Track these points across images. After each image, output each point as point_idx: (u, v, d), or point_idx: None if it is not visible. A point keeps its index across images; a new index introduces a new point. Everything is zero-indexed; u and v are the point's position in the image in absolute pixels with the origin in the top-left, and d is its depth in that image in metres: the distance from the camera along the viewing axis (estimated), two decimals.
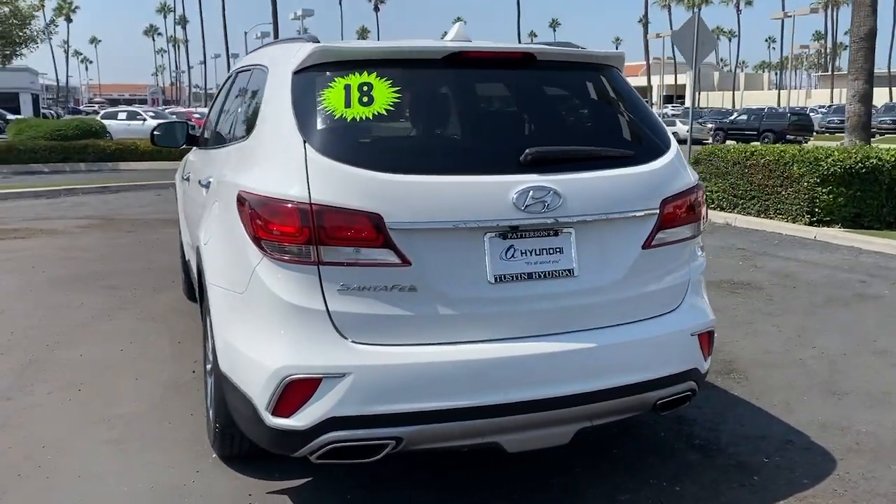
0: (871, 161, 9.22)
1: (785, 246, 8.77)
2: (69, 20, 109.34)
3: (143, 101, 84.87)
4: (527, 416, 2.68)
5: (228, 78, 4.59)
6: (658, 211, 2.86)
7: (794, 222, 9.57)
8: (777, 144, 11.45)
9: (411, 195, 2.56)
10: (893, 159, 9.33)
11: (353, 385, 2.52)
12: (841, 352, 4.95)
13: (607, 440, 3.63)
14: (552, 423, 2.78)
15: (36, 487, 3.20)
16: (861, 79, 13.21)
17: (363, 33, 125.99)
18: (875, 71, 14.61)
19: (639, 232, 2.85)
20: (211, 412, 3.37)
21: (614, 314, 2.82)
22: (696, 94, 19.04)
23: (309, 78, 2.78)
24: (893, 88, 68.68)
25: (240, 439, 3.14)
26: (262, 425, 2.63)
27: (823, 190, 9.24)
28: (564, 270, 2.74)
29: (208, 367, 3.40)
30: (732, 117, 42.93)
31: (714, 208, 10.81)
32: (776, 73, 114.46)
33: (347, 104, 2.69)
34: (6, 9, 21.49)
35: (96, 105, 78.99)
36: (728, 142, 33.58)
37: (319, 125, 2.67)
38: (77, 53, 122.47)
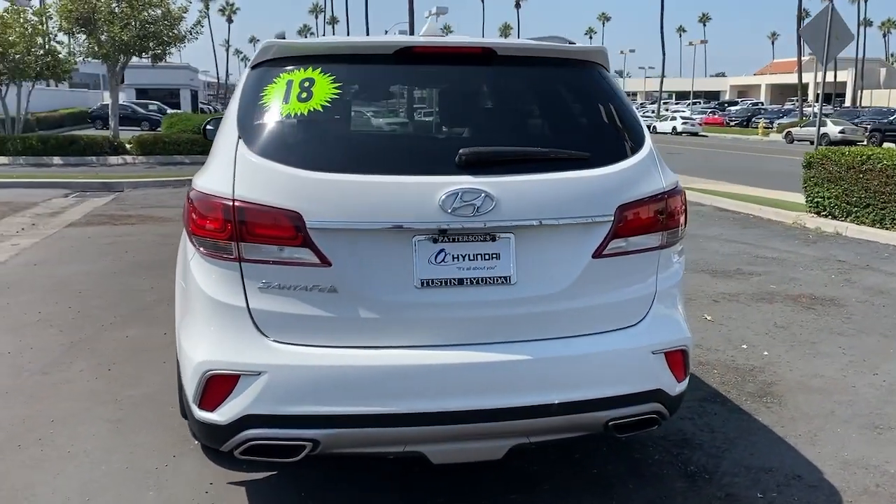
0: None
1: (894, 260, 7.95)
2: (230, 21, 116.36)
3: None
4: (451, 427, 2.56)
5: None
6: (612, 218, 2.65)
7: None
8: None
9: (333, 194, 2.50)
10: None
11: (269, 384, 2.50)
12: None
13: (591, 458, 3.43)
14: (481, 437, 2.64)
15: (25, 459, 3.41)
16: None
17: (506, 30, 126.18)
18: None
19: (588, 240, 2.64)
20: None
21: (557, 326, 2.64)
22: (858, 91, 17.57)
23: (259, 74, 2.78)
24: None
25: None
26: (193, 417, 2.66)
27: None
28: (501, 277, 2.59)
29: None
30: (893, 117, 39.53)
31: (825, 216, 9.98)
32: None
33: (286, 100, 2.66)
34: (158, 11, 23.07)
35: None
36: (886, 144, 30.93)
37: (255, 121, 2.66)
38: (238, 52, 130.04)
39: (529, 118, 2.95)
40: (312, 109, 2.65)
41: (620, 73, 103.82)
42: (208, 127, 4.99)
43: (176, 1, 23.45)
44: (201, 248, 2.60)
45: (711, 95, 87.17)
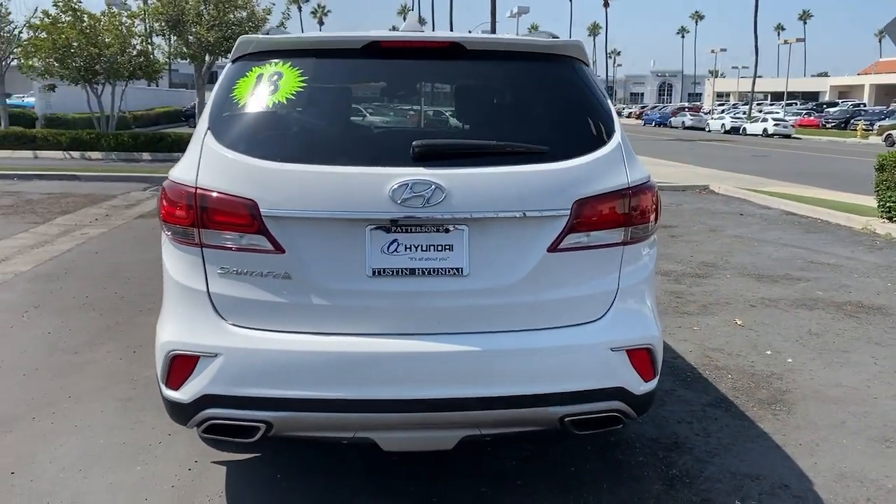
0: None
1: None
2: (321, 23, 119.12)
3: None
4: (400, 415, 2.60)
5: None
6: (568, 212, 2.62)
7: None
8: None
9: (287, 184, 2.58)
10: None
11: (224, 365, 2.60)
12: None
13: (571, 457, 3.40)
14: (430, 426, 2.66)
15: (36, 430, 3.65)
16: None
17: (594, 29, 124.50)
18: None
19: (543, 234, 2.63)
20: None
21: (509, 319, 2.64)
22: None
23: (236, 68, 2.89)
24: None
25: None
26: (162, 395, 2.79)
27: None
28: (453, 269, 2.61)
29: None
30: None
31: None
32: None
33: (252, 93, 2.76)
34: (244, 13, 23.88)
35: None
36: None
37: (223, 113, 2.77)
38: None
39: (492, 112, 2.96)
40: (276, 102, 2.74)
41: (713, 73, 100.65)
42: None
43: (261, 3, 24.24)
44: (170, 234, 2.73)
45: (810, 96, 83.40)
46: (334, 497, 3.08)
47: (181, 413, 2.72)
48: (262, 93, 2.75)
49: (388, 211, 2.54)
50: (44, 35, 20.36)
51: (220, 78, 2.93)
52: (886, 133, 37.46)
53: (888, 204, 9.70)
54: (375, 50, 2.82)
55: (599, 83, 3.00)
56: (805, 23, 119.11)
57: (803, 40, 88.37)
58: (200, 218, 2.62)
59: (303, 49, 2.86)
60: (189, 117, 39.37)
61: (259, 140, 2.69)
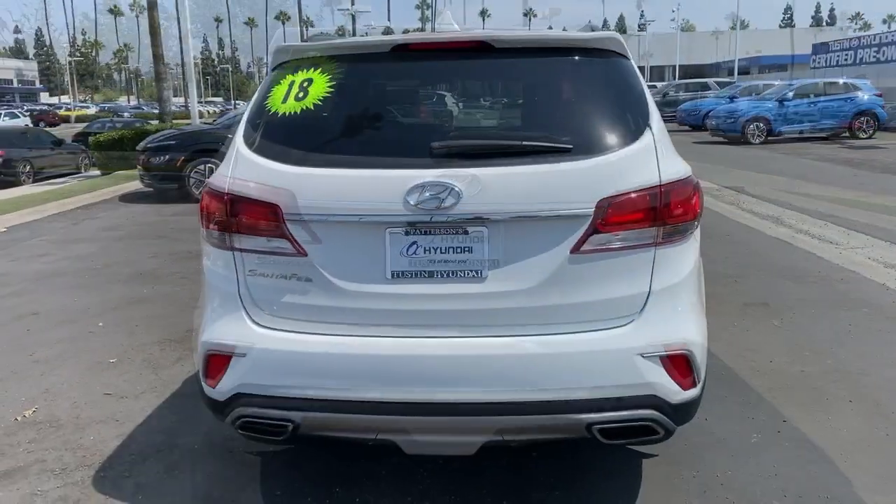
0: None
1: None
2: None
3: None
4: (419, 418, 2.60)
5: None
6: (592, 212, 2.55)
7: None
8: None
9: (309, 188, 2.62)
10: None
11: (252, 365, 2.67)
12: None
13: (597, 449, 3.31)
14: (451, 431, 2.65)
15: (40, 378, 3.97)
16: None
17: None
18: None
19: (566, 234, 2.57)
20: None
21: (532, 322, 2.59)
22: None
23: (273, 76, 2.96)
24: None
25: None
26: (202, 391, 2.90)
27: None
28: (472, 271, 2.59)
29: None
30: None
31: None
32: None
33: (284, 99, 2.83)
34: None
35: None
36: None
37: (256, 119, 2.85)
38: None
39: (518, 110, 2.92)
40: (304, 108, 2.79)
41: None
42: None
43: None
44: (206, 237, 2.82)
45: None
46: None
47: (217, 409, 2.81)
48: (291, 99, 2.81)
49: (404, 213, 2.54)
50: None
51: (260, 86, 3.02)
52: None
53: None
54: (404, 52, 2.83)
55: (638, 77, 2.89)
56: None
57: None
58: (231, 222, 2.71)
59: (333, 55, 2.90)
60: None
61: (284, 145, 2.75)
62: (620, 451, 3.39)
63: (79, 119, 52.65)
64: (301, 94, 2.82)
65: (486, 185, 2.55)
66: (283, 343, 2.66)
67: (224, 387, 2.73)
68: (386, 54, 2.85)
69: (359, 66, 2.90)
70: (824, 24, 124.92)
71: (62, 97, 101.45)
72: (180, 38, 24.54)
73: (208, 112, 51.40)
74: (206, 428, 3.64)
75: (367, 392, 2.59)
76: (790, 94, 21.49)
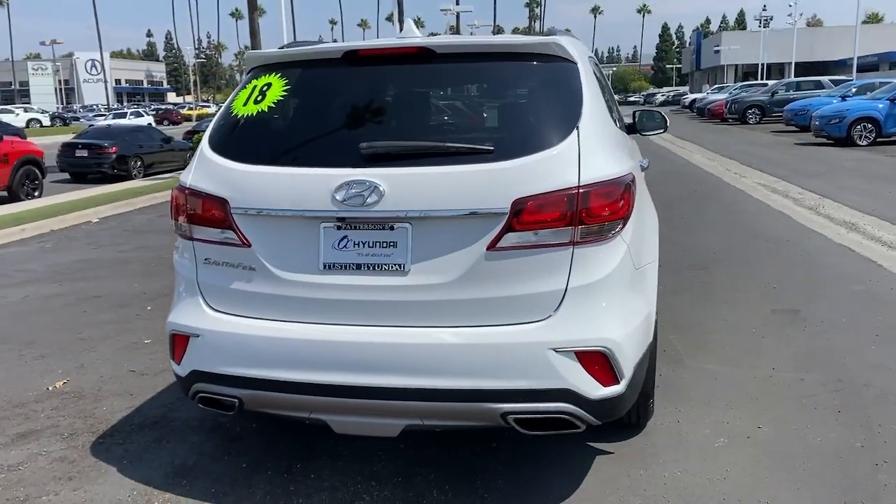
0: None
1: None
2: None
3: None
4: (345, 400, 2.78)
5: None
6: (507, 211, 2.65)
7: None
8: None
9: (253, 184, 2.85)
10: None
11: (205, 346, 2.93)
12: None
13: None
14: (374, 413, 2.81)
15: (80, 354, 4.33)
16: None
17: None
18: None
19: (482, 232, 2.68)
20: None
21: (450, 315, 2.73)
22: None
23: (245, 80, 3.22)
24: None
25: None
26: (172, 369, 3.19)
27: None
28: (395, 265, 2.74)
29: None
30: None
31: None
32: None
33: (245, 102, 3.08)
34: None
35: None
36: None
37: (221, 121, 3.12)
38: None
39: (452, 113, 3.04)
40: (259, 111, 3.03)
41: None
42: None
43: None
44: (175, 228, 3.11)
45: None
46: None
47: (181, 385, 3.10)
48: (251, 103, 3.06)
49: (333, 210, 2.73)
50: None
51: (234, 90, 3.28)
52: None
53: None
54: (353, 58, 3.02)
55: (580, 80, 2.96)
56: None
57: None
58: (190, 215, 2.98)
59: (292, 62, 3.13)
60: None
61: (238, 145, 3.00)
62: (575, 446, 3.47)
63: (199, 118, 55.65)
64: (259, 98, 3.06)
65: (407, 185, 2.70)
66: (230, 326, 2.91)
67: (184, 365, 3.01)
68: (338, 60, 3.04)
69: (312, 71, 3.12)
70: None
71: (186, 97, 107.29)
72: (288, 40, 25.66)
73: None
74: None
75: (300, 374, 2.79)
76: None
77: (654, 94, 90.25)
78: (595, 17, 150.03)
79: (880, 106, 20.22)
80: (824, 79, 34.83)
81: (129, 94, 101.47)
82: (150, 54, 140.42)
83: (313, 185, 2.77)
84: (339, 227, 2.78)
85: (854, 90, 26.86)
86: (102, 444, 3.64)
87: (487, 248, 2.68)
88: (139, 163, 18.86)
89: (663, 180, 13.66)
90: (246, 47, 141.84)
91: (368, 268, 2.77)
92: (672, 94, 76.65)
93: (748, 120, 32.58)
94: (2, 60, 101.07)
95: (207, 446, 3.59)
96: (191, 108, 69.34)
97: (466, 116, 3.03)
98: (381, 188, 2.69)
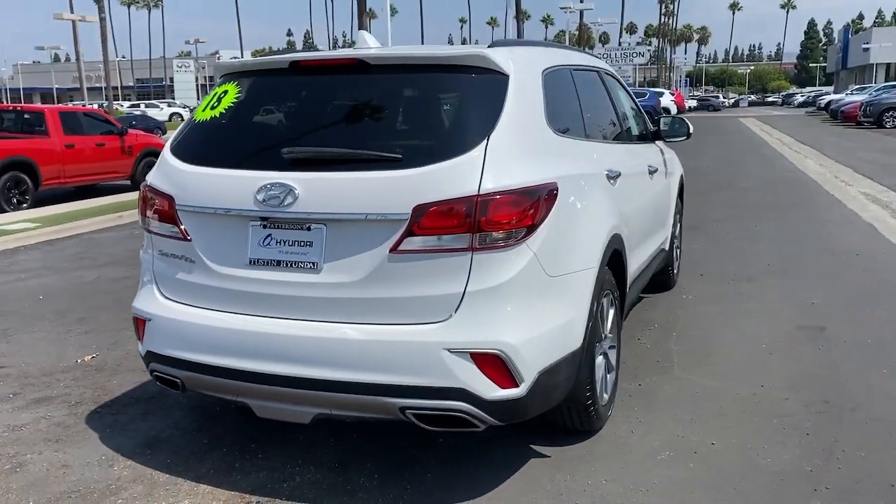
0: None
1: None
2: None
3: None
4: (264, 387, 3.00)
5: None
6: (408, 216, 2.78)
7: None
8: None
9: (194, 183, 3.14)
10: None
11: (156, 329, 3.24)
12: None
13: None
14: (288, 400, 3.01)
15: (118, 333, 4.76)
16: None
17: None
18: None
19: (385, 235, 2.83)
20: None
21: (354, 312, 2.89)
22: None
23: (214, 88, 3.51)
24: None
25: None
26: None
27: None
28: (310, 263, 2.94)
29: None
30: None
31: None
32: None
33: (204, 108, 3.36)
34: None
35: None
36: None
37: (184, 125, 3.42)
38: None
39: (375, 122, 3.19)
40: (212, 116, 3.31)
41: None
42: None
43: None
44: (140, 223, 3.44)
45: None
46: None
47: (145, 363, 3.43)
48: (208, 108, 3.34)
49: (255, 210, 2.97)
50: None
51: None
52: None
53: None
54: (297, 68, 3.24)
55: (505, 91, 3.04)
56: None
57: None
58: (148, 210, 3.30)
59: (245, 71, 3.39)
60: None
61: (188, 147, 3.29)
62: (517, 447, 3.54)
63: None
64: (215, 104, 3.33)
65: (320, 189, 2.90)
66: (175, 313, 3.20)
67: (143, 345, 3.34)
68: (285, 70, 3.27)
69: (261, 80, 3.37)
70: None
71: None
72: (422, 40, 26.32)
73: None
74: None
75: (227, 360, 3.04)
76: None
77: (792, 95, 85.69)
78: (734, 13, 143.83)
79: None
80: None
81: None
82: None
83: (240, 186, 3.01)
84: (264, 226, 3.01)
85: None
86: (98, 414, 4.05)
87: (390, 251, 2.83)
88: None
89: (758, 188, 13.14)
90: (352, 42, 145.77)
91: (287, 265, 2.98)
92: (813, 94, 72.33)
93: (885, 124, 30.38)
94: (156, 58, 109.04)
95: (185, 422, 3.92)
96: None
97: (389, 125, 3.17)
98: (296, 191, 2.89)
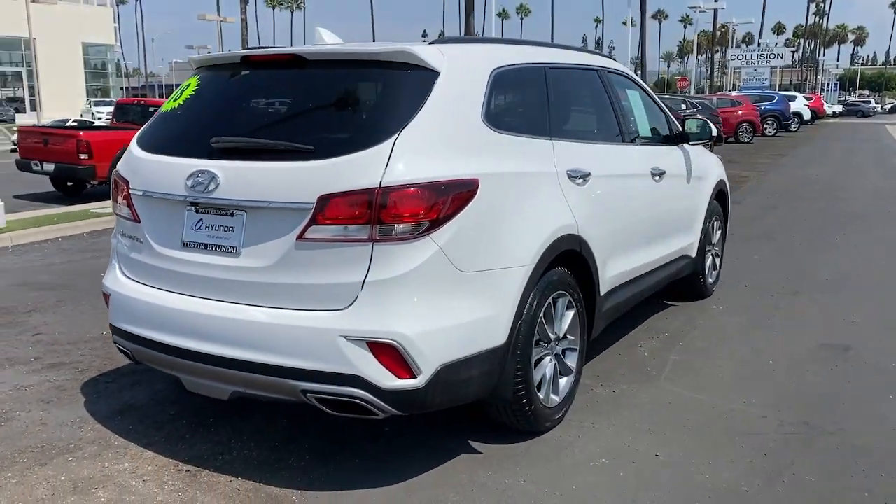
0: None
1: None
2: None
3: None
4: (190, 363, 3.18)
5: None
6: (313, 206, 2.87)
7: None
8: None
9: (142, 168, 3.37)
10: None
11: (115, 303, 3.51)
12: None
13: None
14: (208, 377, 3.17)
15: None
16: None
17: None
18: None
19: (295, 223, 2.93)
20: None
21: (265, 295, 3.01)
22: None
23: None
24: None
25: None
26: None
27: None
28: (230, 247, 3.09)
29: None
30: None
31: None
32: None
33: (170, 100, 3.59)
34: None
35: None
36: None
37: (154, 117, 3.66)
38: None
39: (301, 114, 3.29)
40: (172, 107, 3.54)
41: None
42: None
43: None
44: (112, 207, 3.72)
45: None
46: None
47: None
48: (171, 100, 3.58)
49: (184, 194, 3.16)
50: None
51: None
52: None
53: None
54: (247, 63, 3.41)
55: (428, 87, 3.08)
56: None
57: None
58: (114, 194, 3.57)
59: (209, 65, 3.59)
60: None
61: (148, 135, 3.54)
62: (454, 441, 3.57)
63: None
64: (178, 96, 3.56)
65: (239, 176, 3.05)
66: (128, 290, 3.45)
67: (109, 318, 3.61)
68: (237, 65, 3.45)
69: (217, 74, 3.57)
70: None
71: None
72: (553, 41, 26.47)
73: None
74: None
75: (161, 336, 3.25)
76: None
77: None
78: (895, 12, 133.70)
79: None
80: None
81: None
82: None
83: (175, 172, 3.20)
84: (196, 211, 3.20)
85: None
86: (95, 381, 4.40)
87: (297, 239, 2.94)
88: None
89: (859, 199, 12.30)
90: None
91: (212, 248, 3.15)
92: None
93: None
94: None
95: (163, 393, 4.19)
96: None
97: (312, 118, 3.26)
98: (218, 178, 3.06)
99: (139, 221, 3.39)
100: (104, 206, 10.97)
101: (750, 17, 57.93)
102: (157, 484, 3.21)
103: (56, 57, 41.75)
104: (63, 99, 40.53)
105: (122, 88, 60.45)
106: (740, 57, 54.87)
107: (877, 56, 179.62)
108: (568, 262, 3.67)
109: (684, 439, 3.62)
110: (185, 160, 3.21)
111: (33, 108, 36.75)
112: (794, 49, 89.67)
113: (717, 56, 78.77)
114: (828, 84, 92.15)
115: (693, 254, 5.63)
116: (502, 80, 3.49)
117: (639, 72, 49.62)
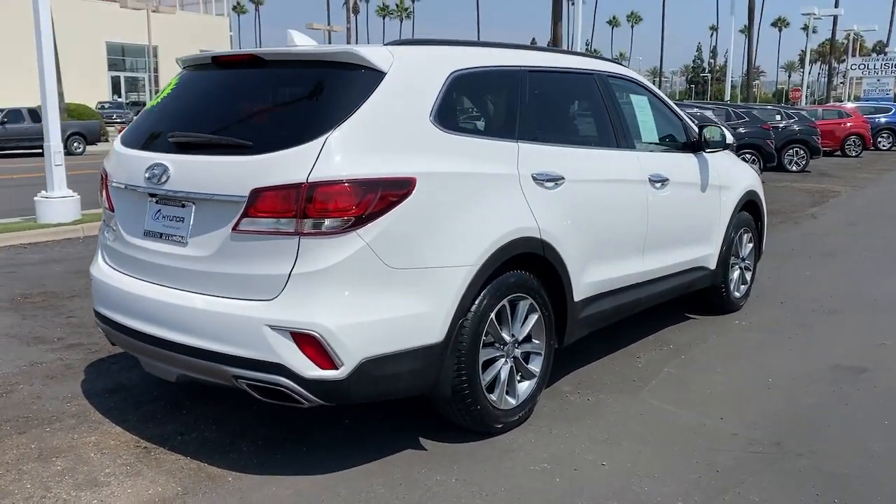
0: None
1: None
2: None
3: None
4: (143, 345, 3.38)
5: None
6: (245, 199, 3.00)
7: None
8: None
9: (118, 161, 3.61)
10: None
11: (95, 288, 3.76)
12: None
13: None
14: (158, 359, 3.36)
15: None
16: None
17: None
18: None
19: (231, 215, 3.07)
20: None
21: (205, 283, 3.17)
22: None
23: None
24: None
25: None
26: None
27: None
28: (180, 237, 3.27)
29: None
30: None
31: None
32: None
33: (153, 98, 3.81)
34: None
35: None
36: None
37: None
38: None
39: (246, 112, 3.43)
40: (153, 104, 3.77)
41: None
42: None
43: None
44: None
45: None
46: None
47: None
48: (155, 97, 3.80)
49: (143, 186, 3.36)
50: None
51: None
52: None
53: None
54: (217, 63, 3.60)
55: (370, 87, 3.15)
56: None
57: None
58: (99, 186, 3.83)
59: (188, 65, 3.80)
60: None
61: (129, 131, 3.78)
62: (405, 438, 3.61)
63: None
64: (159, 93, 3.78)
65: (187, 169, 3.23)
66: (104, 275, 3.69)
67: (93, 303, 3.87)
68: (209, 64, 3.64)
69: (192, 73, 3.77)
70: None
71: None
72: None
73: None
74: None
75: (123, 318, 3.47)
76: None
77: None
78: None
79: None
80: None
81: None
82: None
83: (138, 164, 3.42)
84: (156, 202, 3.40)
85: None
86: (101, 362, 4.69)
87: (232, 230, 3.08)
88: None
89: None
90: (620, 53, 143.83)
91: (166, 237, 3.34)
92: None
93: None
94: None
95: (153, 375, 4.42)
96: None
97: (258, 115, 3.38)
98: (170, 171, 3.25)
99: (113, 211, 3.63)
100: None
101: (873, 25, 54.62)
102: (111, 457, 3.42)
103: (175, 63, 44.18)
104: None
105: None
106: (861, 66, 51.84)
107: None
108: (531, 266, 3.65)
109: (639, 451, 3.53)
110: (147, 154, 3.42)
111: None
112: None
113: (842, 66, 74.75)
114: None
115: (711, 265, 5.43)
116: (461, 83, 3.52)
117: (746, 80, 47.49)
